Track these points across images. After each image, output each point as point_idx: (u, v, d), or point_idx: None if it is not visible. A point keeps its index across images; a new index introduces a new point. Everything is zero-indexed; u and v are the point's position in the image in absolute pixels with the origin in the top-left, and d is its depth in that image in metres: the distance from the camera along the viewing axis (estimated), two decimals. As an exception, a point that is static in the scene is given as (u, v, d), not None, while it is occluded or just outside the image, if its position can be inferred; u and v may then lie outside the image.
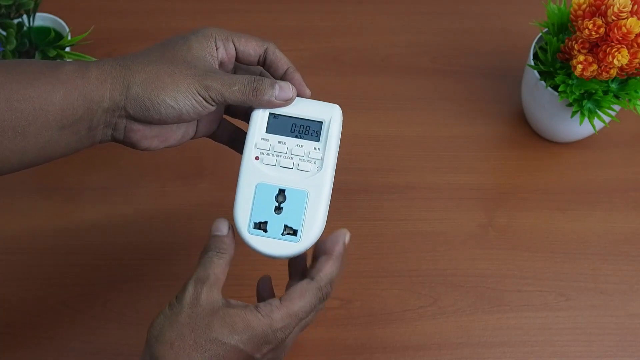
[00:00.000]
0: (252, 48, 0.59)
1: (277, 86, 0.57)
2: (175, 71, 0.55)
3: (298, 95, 0.59)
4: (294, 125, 0.58)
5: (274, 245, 0.56)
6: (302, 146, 0.57)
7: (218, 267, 0.54)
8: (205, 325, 0.51)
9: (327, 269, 0.55)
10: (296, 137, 0.57)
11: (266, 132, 0.57)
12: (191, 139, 0.62)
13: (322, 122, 0.58)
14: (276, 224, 0.56)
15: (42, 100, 0.53)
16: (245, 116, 0.62)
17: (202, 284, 0.53)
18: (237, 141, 0.63)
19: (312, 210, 0.57)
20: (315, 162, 0.57)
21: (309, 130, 0.58)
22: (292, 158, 0.57)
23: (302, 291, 0.54)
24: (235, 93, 0.55)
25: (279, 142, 0.57)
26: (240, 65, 0.61)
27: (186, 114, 0.55)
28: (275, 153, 0.57)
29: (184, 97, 0.54)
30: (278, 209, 0.56)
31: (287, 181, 0.56)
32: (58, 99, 0.53)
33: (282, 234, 0.56)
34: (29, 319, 0.72)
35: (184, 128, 0.60)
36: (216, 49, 0.58)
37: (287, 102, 0.57)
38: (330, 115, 0.58)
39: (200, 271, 0.54)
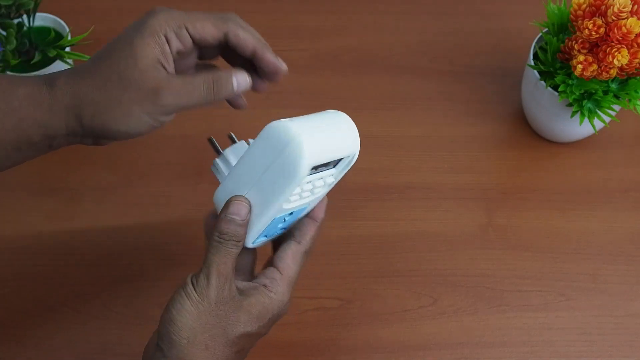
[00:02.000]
0: (209, 34, 0.54)
1: (234, 79, 0.54)
2: (124, 97, 0.52)
3: (275, 72, 0.56)
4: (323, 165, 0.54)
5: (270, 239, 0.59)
6: (321, 178, 0.54)
7: (235, 258, 0.53)
8: (235, 322, 0.52)
9: (313, 234, 0.57)
10: (318, 172, 0.54)
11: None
12: None
13: (345, 157, 0.55)
14: (278, 230, 0.58)
15: None
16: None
17: (224, 279, 0.52)
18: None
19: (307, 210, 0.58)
20: (327, 186, 0.56)
21: (332, 164, 0.55)
22: (312, 190, 0.54)
23: (294, 256, 0.56)
24: (194, 98, 0.53)
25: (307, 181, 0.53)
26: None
27: (144, 132, 0.54)
28: (300, 193, 0.54)
29: (137, 122, 0.53)
30: (283, 222, 0.56)
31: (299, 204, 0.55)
32: (11, 126, 0.52)
33: (279, 231, 0.58)
34: (29, 319, 0.72)
35: None
36: (168, 43, 0.53)
37: (246, 90, 0.55)
38: (355, 150, 0.54)
39: (222, 264, 0.52)
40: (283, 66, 0.57)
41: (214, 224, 0.53)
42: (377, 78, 0.91)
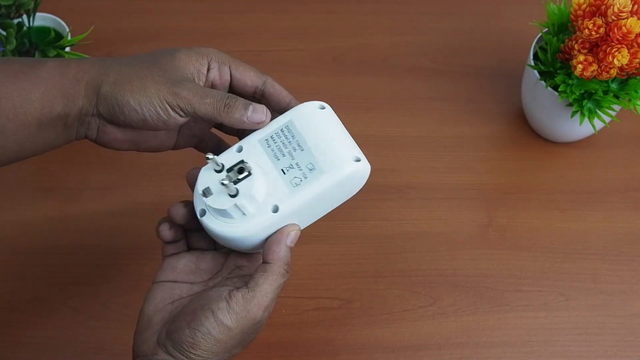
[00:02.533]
0: (249, 78, 0.58)
1: (251, 107, 0.54)
2: (147, 75, 0.54)
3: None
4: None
5: None
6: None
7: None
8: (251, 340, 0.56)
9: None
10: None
11: None
12: (172, 149, 0.61)
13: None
14: None
15: (22, 98, 0.53)
16: (239, 134, 0.60)
17: (268, 311, 0.55)
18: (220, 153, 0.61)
19: None
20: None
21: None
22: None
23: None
24: (206, 106, 0.53)
25: None
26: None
27: (150, 119, 0.54)
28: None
29: (147, 102, 0.53)
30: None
31: None
32: (37, 96, 0.53)
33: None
34: (29, 319, 0.72)
35: (161, 138, 0.59)
36: (208, 69, 0.57)
37: (258, 125, 0.55)
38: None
39: (274, 298, 0.54)
40: None
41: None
42: (377, 78, 0.91)
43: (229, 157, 0.55)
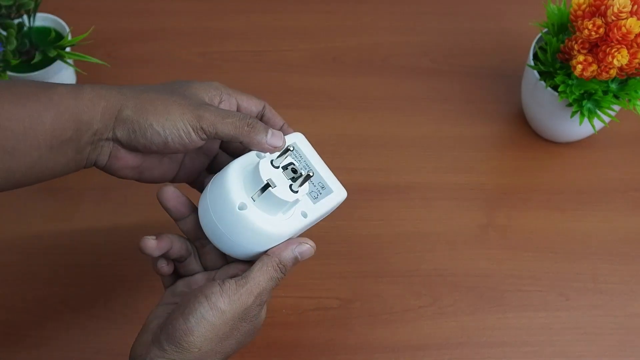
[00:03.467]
0: (253, 104, 0.61)
1: (270, 132, 0.56)
2: (169, 99, 0.55)
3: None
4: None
5: None
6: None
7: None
8: (243, 335, 0.56)
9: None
10: None
11: None
12: (172, 181, 0.61)
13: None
14: None
15: (33, 120, 0.53)
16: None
17: (262, 303, 0.56)
18: None
19: None
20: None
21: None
22: None
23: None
24: (229, 125, 0.55)
25: None
26: None
27: (171, 142, 0.54)
28: None
29: (171, 125, 0.54)
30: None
31: None
32: (49, 119, 0.53)
33: None
34: (29, 319, 0.73)
35: (164, 168, 0.60)
36: (220, 100, 0.59)
37: (275, 149, 0.56)
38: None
39: (267, 289, 0.55)
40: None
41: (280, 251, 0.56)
42: (377, 78, 0.91)
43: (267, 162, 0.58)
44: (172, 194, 0.58)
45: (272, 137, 0.56)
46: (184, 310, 0.53)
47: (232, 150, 0.63)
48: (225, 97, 0.59)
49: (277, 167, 0.56)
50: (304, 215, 0.57)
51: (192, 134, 0.55)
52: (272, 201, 0.54)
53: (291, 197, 0.54)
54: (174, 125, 0.54)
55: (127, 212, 0.79)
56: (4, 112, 0.52)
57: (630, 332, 0.73)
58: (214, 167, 0.63)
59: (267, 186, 0.54)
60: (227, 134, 0.55)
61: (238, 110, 0.60)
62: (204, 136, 0.55)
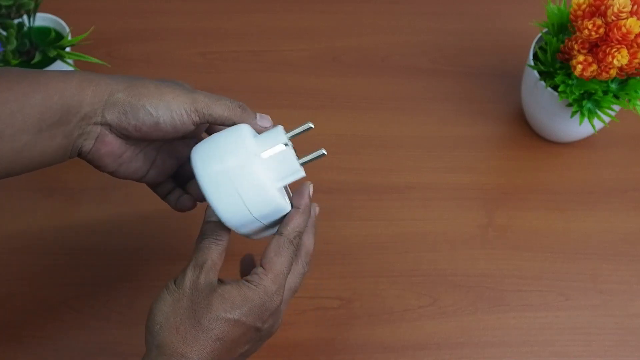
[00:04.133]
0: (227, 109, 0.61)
1: (258, 115, 0.58)
2: (162, 85, 0.56)
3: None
4: None
5: None
6: None
7: (215, 252, 0.55)
8: (206, 305, 0.53)
9: (294, 222, 0.56)
10: None
11: None
12: (139, 179, 0.61)
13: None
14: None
15: (21, 102, 0.53)
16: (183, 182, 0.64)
17: (200, 268, 0.54)
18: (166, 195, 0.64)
19: None
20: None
21: None
22: None
23: (276, 249, 0.55)
24: (222, 106, 0.56)
25: None
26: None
27: (163, 123, 0.55)
28: None
29: (164, 106, 0.55)
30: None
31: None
32: (37, 101, 0.53)
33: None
34: (29, 319, 0.73)
35: (138, 163, 0.60)
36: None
37: (265, 128, 0.58)
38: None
39: (199, 257, 0.55)
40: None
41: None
42: (377, 78, 0.91)
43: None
44: None
45: (261, 119, 0.58)
46: None
47: None
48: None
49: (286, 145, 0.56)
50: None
51: (185, 115, 0.55)
52: (280, 164, 0.54)
53: (299, 166, 0.55)
54: (168, 106, 0.55)
55: (127, 212, 0.79)
56: None
57: (630, 332, 0.73)
58: (179, 176, 0.64)
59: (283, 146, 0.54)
60: (220, 115, 0.56)
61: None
62: (197, 119, 0.56)
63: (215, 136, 0.55)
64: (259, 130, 0.57)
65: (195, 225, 0.78)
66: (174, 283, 0.54)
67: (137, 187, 0.81)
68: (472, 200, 0.81)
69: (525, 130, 0.86)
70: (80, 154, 0.58)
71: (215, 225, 0.56)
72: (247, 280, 0.55)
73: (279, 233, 0.56)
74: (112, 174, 0.60)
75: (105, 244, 0.77)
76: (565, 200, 0.81)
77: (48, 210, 0.79)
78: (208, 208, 0.56)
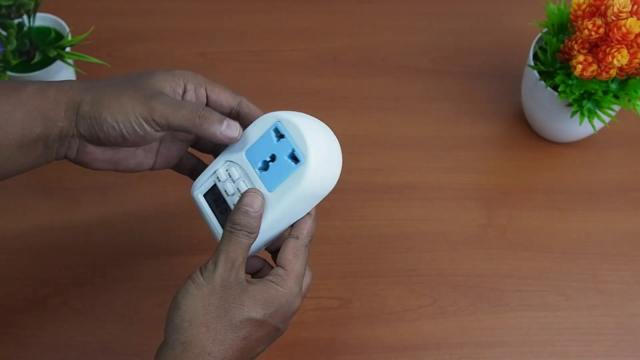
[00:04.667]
0: (224, 99, 0.59)
1: (225, 122, 0.55)
2: (123, 92, 0.55)
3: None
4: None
5: None
6: None
7: (246, 248, 0.54)
8: (239, 305, 0.53)
9: (309, 227, 0.57)
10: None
11: None
12: (150, 169, 0.61)
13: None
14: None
15: (2, 120, 0.54)
16: (214, 151, 0.62)
17: (232, 264, 0.53)
18: (197, 174, 0.61)
19: None
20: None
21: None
22: None
23: (294, 251, 0.56)
24: (180, 117, 0.54)
25: None
26: None
27: (127, 135, 0.54)
28: None
29: (124, 118, 0.54)
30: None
31: None
32: (19, 118, 0.54)
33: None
34: (29, 319, 0.73)
35: (139, 158, 0.60)
36: (184, 90, 0.58)
37: (230, 140, 0.56)
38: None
39: (230, 251, 0.53)
40: None
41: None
42: (377, 78, 0.91)
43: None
44: None
45: (226, 128, 0.55)
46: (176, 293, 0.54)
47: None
48: (191, 87, 0.58)
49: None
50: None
51: (145, 125, 0.54)
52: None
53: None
54: (126, 118, 0.54)
55: (126, 212, 0.79)
56: None
57: (630, 332, 0.73)
58: (200, 145, 0.63)
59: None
60: (178, 126, 0.54)
61: (208, 102, 0.59)
62: (158, 128, 0.55)
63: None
64: (224, 141, 0.55)
65: (195, 225, 0.78)
66: (202, 276, 0.53)
67: (137, 186, 0.81)
68: (472, 200, 0.81)
69: (525, 130, 0.86)
70: (68, 159, 0.58)
71: (252, 219, 0.54)
72: (271, 281, 0.55)
73: (294, 237, 0.57)
74: (114, 171, 0.60)
75: (104, 244, 0.77)
76: (565, 200, 0.81)
77: (48, 210, 0.79)
78: (248, 194, 0.55)
